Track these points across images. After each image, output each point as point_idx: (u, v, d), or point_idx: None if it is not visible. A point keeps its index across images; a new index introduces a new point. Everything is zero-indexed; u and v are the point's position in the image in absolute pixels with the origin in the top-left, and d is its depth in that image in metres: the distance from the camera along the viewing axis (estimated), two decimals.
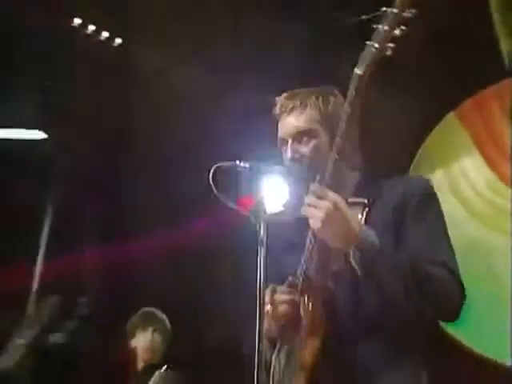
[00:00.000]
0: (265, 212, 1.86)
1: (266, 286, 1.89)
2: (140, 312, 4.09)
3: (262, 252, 1.82)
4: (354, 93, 1.77)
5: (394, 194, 1.97)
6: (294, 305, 1.92)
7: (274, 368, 1.99)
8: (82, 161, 5.15)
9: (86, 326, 4.75)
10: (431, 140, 4.40)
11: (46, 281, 4.93)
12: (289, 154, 2.03)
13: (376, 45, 1.71)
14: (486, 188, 4.18)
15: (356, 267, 1.79)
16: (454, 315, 1.90)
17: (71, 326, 4.76)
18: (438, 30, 4.10)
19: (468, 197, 4.26)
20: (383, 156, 4.19)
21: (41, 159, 5.05)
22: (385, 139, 4.34)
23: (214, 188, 1.91)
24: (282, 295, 1.93)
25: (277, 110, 2.10)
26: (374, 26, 1.72)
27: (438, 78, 4.24)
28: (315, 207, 1.78)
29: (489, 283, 4.08)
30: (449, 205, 4.15)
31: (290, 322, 1.94)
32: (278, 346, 2.01)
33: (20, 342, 3.88)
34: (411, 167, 4.41)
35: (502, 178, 4.11)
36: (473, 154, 4.26)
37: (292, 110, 2.05)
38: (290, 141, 2.05)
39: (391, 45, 1.71)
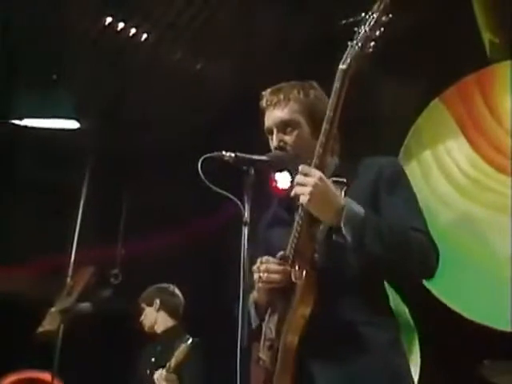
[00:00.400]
0: (249, 197, 2.00)
1: (254, 261, 2.02)
2: (154, 286, 4.26)
3: (245, 231, 1.95)
4: (338, 85, 1.90)
5: (368, 173, 2.11)
6: (286, 274, 2.02)
7: (265, 335, 2.10)
8: (112, 149, 5.50)
9: (117, 295, 5.20)
10: (419, 123, 4.59)
11: (84, 255, 5.31)
12: (275, 143, 2.19)
13: (359, 44, 1.84)
14: (469, 166, 4.37)
15: (347, 236, 1.89)
16: (431, 273, 2.00)
17: (105, 294, 5.22)
18: (425, 23, 4.31)
19: (453, 174, 4.44)
20: (378, 136, 4.55)
21: (75, 147, 5.37)
22: (379, 122, 4.66)
23: (203, 178, 1.99)
24: (274, 265, 2.04)
25: (263, 103, 2.26)
26: (355, 29, 1.86)
27: (425, 66, 4.41)
28: (303, 185, 1.91)
29: (472, 249, 4.30)
30: (436, 181, 4.50)
31: (281, 289, 2.04)
32: (268, 313, 2.12)
33: (56, 308, 4.20)
34: (402, 148, 4.61)
35: (483, 157, 4.33)
36: (457, 136, 4.43)
37: (276, 103, 2.20)
38: (275, 130, 2.20)
39: (372, 43, 1.85)
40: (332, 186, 1.93)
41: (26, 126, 5.22)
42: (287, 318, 2.00)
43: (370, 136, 4.43)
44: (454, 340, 4.16)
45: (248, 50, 4.95)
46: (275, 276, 2.04)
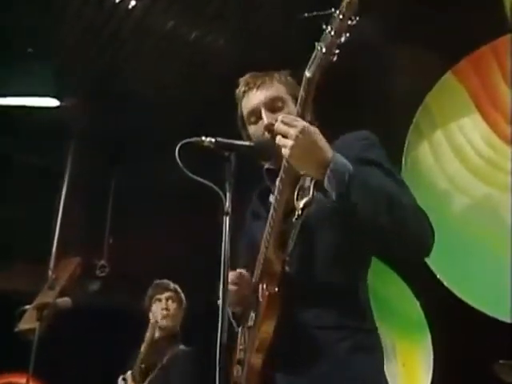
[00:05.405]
0: (231, 185, 1.89)
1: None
2: (153, 283, 4.02)
3: (226, 221, 1.85)
4: (303, 94, 1.77)
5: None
6: (245, 285, 2.03)
7: (241, 342, 2.06)
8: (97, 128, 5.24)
9: (104, 287, 4.94)
10: (430, 99, 4.34)
11: (66, 243, 5.08)
12: (265, 120, 2.06)
13: (324, 49, 1.69)
14: (484, 144, 4.12)
15: (330, 190, 1.75)
16: (427, 249, 1.82)
17: (91, 287, 4.96)
18: None
19: (466, 153, 4.20)
20: (386, 114, 4.33)
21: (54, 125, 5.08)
22: (387, 98, 4.43)
23: (180, 164, 1.89)
24: (232, 276, 2.00)
25: (242, 87, 2.16)
26: (323, 27, 1.69)
27: (436, 37, 4.09)
28: (285, 135, 1.77)
29: (486, 236, 4.07)
30: (447, 161, 4.28)
31: (250, 302, 2.01)
32: (243, 321, 2.07)
33: (33, 305, 3.92)
34: (411, 126, 4.38)
35: (499, 134, 4.06)
36: (471, 112, 4.18)
37: (261, 85, 2.12)
38: (263, 110, 2.09)
39: (336, 51, 1.69)
40: (319, 137, 1.77)
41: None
42: (253, 335, 1.97)
43: (378, 113, 4.23)
44: (468, 335, 3.97)
45: (245, 19, 4.69)
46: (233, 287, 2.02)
